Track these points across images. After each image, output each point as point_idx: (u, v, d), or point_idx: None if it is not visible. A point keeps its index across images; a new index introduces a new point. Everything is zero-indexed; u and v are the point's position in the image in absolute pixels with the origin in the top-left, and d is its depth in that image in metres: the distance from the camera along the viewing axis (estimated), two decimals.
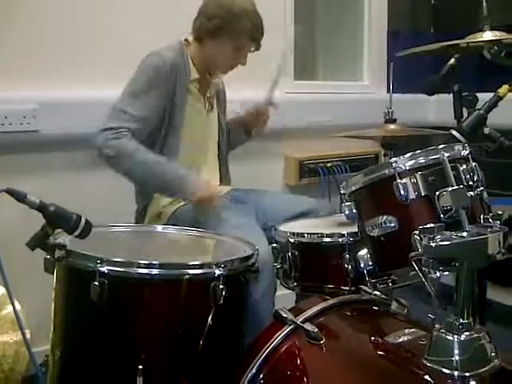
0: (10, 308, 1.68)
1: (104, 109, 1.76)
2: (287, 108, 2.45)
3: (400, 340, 1.21)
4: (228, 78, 2.02)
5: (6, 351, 1.70)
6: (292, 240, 1.55)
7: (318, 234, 1.53)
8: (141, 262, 1.24)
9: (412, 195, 1.23)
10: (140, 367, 1.20)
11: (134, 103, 1.72)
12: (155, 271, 1.23)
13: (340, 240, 1.49)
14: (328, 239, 1.51)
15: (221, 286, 1.24)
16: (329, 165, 2.72)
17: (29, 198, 1.20)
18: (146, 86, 1.73)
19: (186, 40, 1.86)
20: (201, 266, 1.27)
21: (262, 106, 1.98)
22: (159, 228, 1.64)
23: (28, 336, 1.35)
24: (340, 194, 1.38)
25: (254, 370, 1.23)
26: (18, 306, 1.27)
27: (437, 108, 2.87)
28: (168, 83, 1.75)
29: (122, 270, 1.23)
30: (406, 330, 1.24)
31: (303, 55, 2.89)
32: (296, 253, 1.53)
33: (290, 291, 1.64)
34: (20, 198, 1.20)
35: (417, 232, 1.13)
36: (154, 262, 1.24)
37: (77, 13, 2.06)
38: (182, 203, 1.85)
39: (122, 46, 2.03)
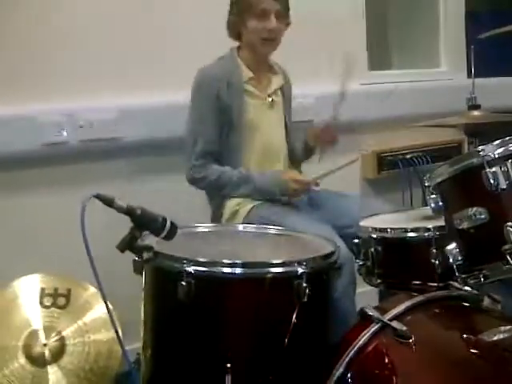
0: (102, 308, 1.77)
1: (183, 113, 1.85)
2: (363, 100, 2.41)
3: (495, 338, 1.16)
4: (301, 73, 2.00)
5: (100, 349, 1.80)
6: (374, 235, 1.51)
7: (401, 228, 1.49)
8: (224, 261, 1.26)
9: (503, 184, 1.17)
10: (228, 365, 1.22)
11: (200, 130, 1.83)
12: (239, 270, 1.25)
13: (426, 234, 1.44)
14: (413, 234, 1.46)
15: (304, 284, 1.23)
16: (408, 156, 2.63)
17: (116, 202, 1.25)
18: (200, 107, 1.84)
19: (238, 47, 1.93)
20: (283, 264, 1.27)
21: (328, 125, 1.91)
22: (240, 227, 1.67)
23: (120, 334, 1.41)
24: (424, 186, 1.34)
25: (341, 369, 1.22)
26: (110, 306, 1.33)
27: None
28: (217, 92, 1.82)
29: (207, 269, 1.25)
30: (502, 328, 1.19)
31: (377, 44, 2.81)
32: (379, 248, 1.49)
33: (371, 288, 1.60)
34: (108, 202, 1.25)
35: (509, 223, 1.08)
36: (237, 261, 1.25)
37: (151, 22, 2.12)
38: (256, 202, 1.86)
39: (195, 51, 2.08)
